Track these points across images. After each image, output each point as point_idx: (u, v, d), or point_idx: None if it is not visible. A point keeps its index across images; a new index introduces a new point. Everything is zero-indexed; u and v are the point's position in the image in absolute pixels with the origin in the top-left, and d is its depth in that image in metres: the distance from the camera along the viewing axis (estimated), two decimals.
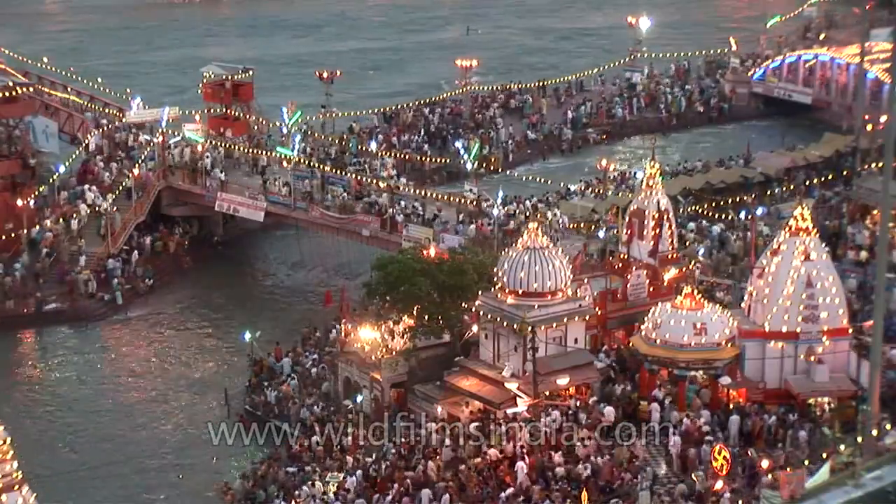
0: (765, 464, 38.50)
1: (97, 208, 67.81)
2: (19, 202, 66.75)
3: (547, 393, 43.99)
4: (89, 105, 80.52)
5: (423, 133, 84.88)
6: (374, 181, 68.55)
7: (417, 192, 67.18)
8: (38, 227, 66.44)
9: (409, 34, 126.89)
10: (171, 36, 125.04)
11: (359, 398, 49.41)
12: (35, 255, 65.30)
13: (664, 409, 42.70)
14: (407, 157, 79.32)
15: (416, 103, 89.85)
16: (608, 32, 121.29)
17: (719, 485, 38.25)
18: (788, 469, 36.72)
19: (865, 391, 39.62)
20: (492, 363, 45.93)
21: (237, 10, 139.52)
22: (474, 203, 64.59)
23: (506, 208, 63.46)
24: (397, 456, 43.02)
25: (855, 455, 36.79)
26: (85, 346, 61.44)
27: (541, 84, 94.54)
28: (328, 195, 66.39)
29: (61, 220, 67.40)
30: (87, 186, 70.70)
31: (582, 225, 63.55)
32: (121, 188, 69.15)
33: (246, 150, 72.90)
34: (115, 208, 67.46)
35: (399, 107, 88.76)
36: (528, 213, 62.78)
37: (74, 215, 67.75)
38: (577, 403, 43.25)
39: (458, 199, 65.36)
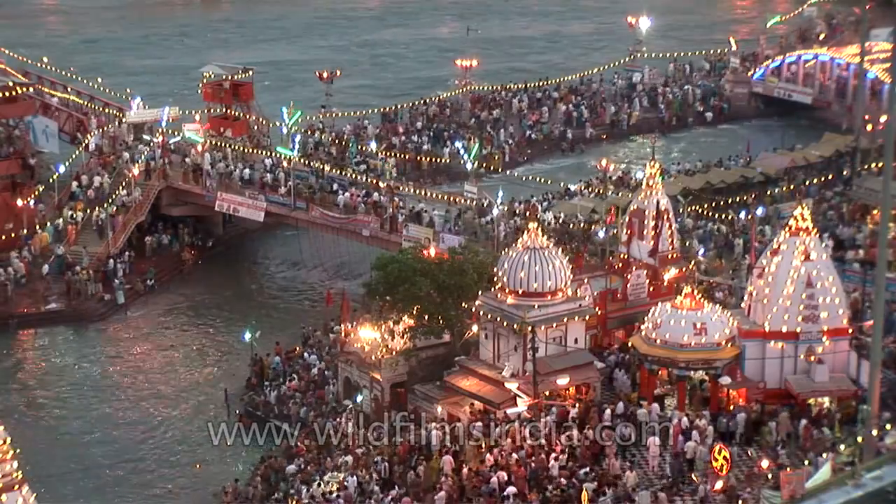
0: (765, 464, 38.52)
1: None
2: (19, 202, 66.79)
3: (547, 393, 44.00)
4: (89, 105, 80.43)
5: (423, 133, 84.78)
6: (375, 181, 68.55)
7: (418, 192, 67.21)
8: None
9: (409, 33, 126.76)
10: (170, 36, 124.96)
11: (359, 398, 49.41)
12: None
13: (664, 409, 42.75)
14: (407, 157, 79.28)
15: (416, 103, 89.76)
16: (608, 32, 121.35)
17: (719, 485, 38.26)
18: (788, 469, 36.72)
19: (865, 391, 39.60)
20: (492, 363, 45.91)
21: (237, 10, 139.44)
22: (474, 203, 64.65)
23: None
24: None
25: (855, 455, 36.78)
26: (85, 346, 61.48)
27: (541, 84, 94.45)
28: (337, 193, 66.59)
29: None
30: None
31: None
32: (117, 192, 69.22)
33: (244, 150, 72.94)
34: (114, 209, 67.70)
35: (399, 107, 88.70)
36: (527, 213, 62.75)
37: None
38: (577, 405, 43.28)
39: (458, 199, 65.39)
